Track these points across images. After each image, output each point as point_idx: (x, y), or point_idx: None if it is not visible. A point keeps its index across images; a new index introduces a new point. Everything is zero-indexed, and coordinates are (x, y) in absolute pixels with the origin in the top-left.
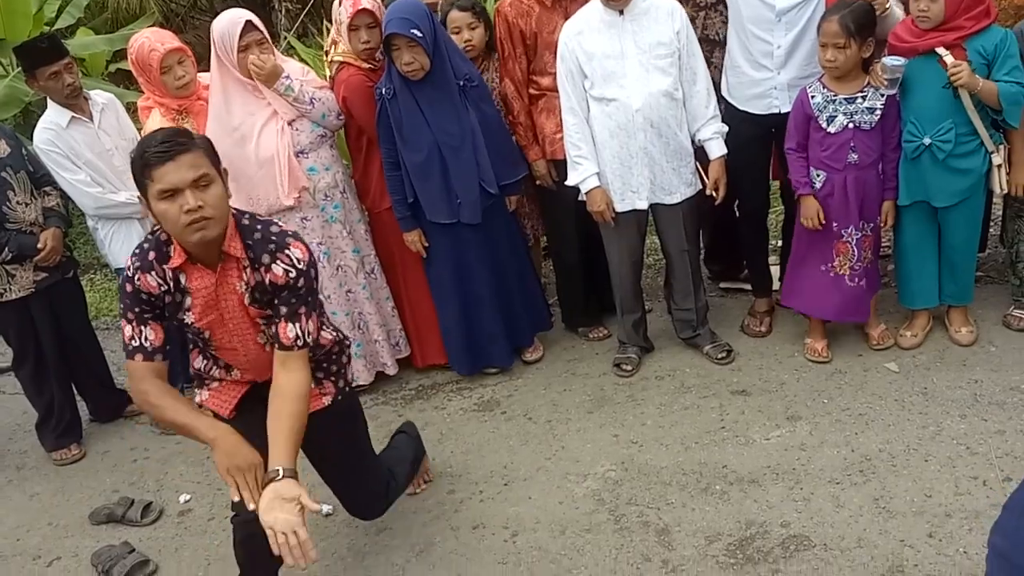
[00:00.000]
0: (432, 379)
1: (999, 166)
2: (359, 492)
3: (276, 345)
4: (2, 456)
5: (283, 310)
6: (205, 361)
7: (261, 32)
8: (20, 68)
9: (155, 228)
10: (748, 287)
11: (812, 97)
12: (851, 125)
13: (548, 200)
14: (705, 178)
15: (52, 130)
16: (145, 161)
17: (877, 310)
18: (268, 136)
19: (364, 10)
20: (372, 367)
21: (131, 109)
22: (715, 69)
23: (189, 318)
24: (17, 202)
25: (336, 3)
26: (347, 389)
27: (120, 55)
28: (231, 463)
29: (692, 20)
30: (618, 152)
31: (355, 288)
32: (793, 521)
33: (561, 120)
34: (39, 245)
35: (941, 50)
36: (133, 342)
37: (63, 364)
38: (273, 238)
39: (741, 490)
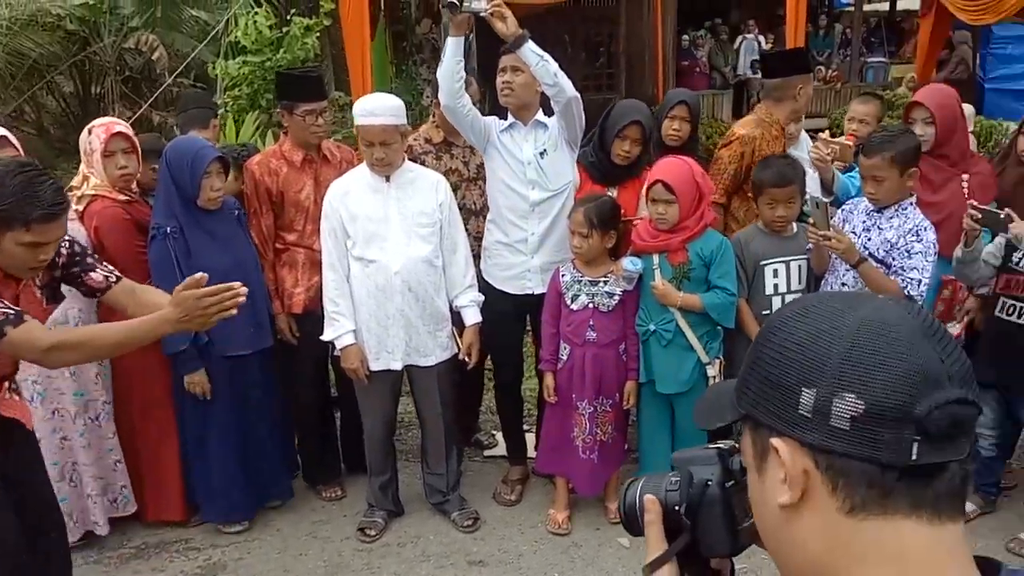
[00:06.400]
0: (160, 536)
1: (713, 377)
2: None
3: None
4: None
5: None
6: None
7: None
8: None
9: None
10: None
11: (563, 276)
12: (591, 305)
13: (291, 354)
14: (459, 343)
15: None
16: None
17: (618, 484)
18: None
19: (119, 133)
20: (81, 525)
21: None
22: (473, 239)
23: None
24: None
25: (85, 133)
26: None
27: None
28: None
29: (454, 190)
30: (375, 312)
31: (72, 435)
32: None
33: (300, 275)
34: None
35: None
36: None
37: None
38: None
39: None
